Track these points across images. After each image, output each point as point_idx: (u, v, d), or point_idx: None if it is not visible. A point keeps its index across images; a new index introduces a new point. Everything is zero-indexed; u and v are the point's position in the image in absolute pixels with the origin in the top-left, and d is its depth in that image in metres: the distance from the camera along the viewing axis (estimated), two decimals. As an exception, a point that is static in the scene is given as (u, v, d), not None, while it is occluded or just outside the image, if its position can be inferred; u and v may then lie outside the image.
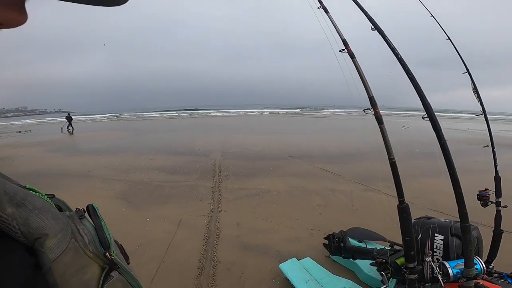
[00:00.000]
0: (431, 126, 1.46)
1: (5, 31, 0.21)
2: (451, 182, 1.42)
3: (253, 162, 7.08)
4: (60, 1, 0.20)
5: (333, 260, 2.76)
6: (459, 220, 1.46)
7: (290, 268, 2.42)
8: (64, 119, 19.21)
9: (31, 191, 0.33)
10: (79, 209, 0.38)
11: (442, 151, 1.42)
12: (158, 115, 44.35)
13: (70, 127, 17.63)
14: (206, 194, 4.72)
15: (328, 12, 1.97)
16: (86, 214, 0.39)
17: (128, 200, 4.48)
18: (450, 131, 14.41)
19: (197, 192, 4.80)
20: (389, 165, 1.68)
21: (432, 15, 2.46)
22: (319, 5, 2.00)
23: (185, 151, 8.84)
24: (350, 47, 1.84)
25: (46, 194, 0.36)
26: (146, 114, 46.86)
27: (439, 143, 1.44)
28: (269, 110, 48.71)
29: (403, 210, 1.65)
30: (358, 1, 1.88)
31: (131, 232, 3.37)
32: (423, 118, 1.48)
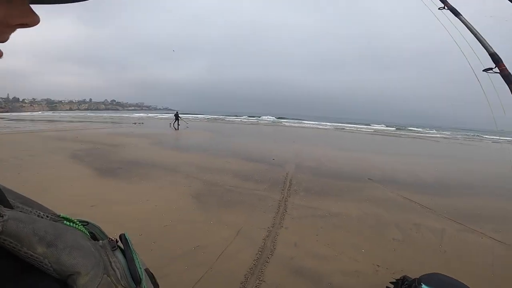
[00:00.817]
0: None
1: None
2: None
3: (327, 180, 6.69)
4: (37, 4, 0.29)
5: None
6: None
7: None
8: (172, 116, 22.75)
9: (64, 221, 0.36)
10: (111, 240, 0.39)
11: None
12: (241, 119, 47.58)
13: (177, 124, 20.81)
14: (272, 206, 4.66)
15: (460, 15, 1.48)
16: (120, 243, 0.40)
17: (200, 199, 4.81)
18: None
19: (263, 203, 4.79)
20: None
21: None
22: (442, 5, 1.54)
23: (260, 158, 9.06)
24: (505, 65, 1.31)
25: (80, 221, 0.38)
26: (231, 118, 50.91)
27: None
28: (356, 125, 45.64)
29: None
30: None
31: (193, 231, 3.58)
32: None
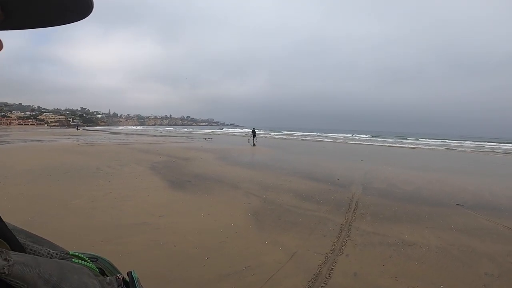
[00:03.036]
0: None
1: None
2: None
3: (400, 204, 5.93)
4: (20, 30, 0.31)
5: None
6: None
7: None
8: (250, 132, 24.63)
9: (74, 258, 0.38)
10: (118, 277, 0.40)
11: None
12: (306, 135, 46.89)
13: (254, 139, 22.24)
14: (333, 230, 4.32)
15: None
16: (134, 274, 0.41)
17: (257, 218, 4.77)
18: None
19: (323, 226, 4.48)
20: None
21: None
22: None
23: (324, 178, 8.63)
24: None
25: (89, 257, 0.40)
26: (296, 134, 50.71)
27: None
28: (443, 141, 39.66)
29: None
30: None
31: (247, 250, 3.52)
32: None
